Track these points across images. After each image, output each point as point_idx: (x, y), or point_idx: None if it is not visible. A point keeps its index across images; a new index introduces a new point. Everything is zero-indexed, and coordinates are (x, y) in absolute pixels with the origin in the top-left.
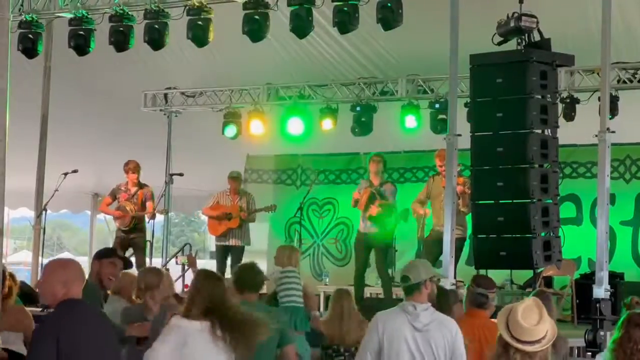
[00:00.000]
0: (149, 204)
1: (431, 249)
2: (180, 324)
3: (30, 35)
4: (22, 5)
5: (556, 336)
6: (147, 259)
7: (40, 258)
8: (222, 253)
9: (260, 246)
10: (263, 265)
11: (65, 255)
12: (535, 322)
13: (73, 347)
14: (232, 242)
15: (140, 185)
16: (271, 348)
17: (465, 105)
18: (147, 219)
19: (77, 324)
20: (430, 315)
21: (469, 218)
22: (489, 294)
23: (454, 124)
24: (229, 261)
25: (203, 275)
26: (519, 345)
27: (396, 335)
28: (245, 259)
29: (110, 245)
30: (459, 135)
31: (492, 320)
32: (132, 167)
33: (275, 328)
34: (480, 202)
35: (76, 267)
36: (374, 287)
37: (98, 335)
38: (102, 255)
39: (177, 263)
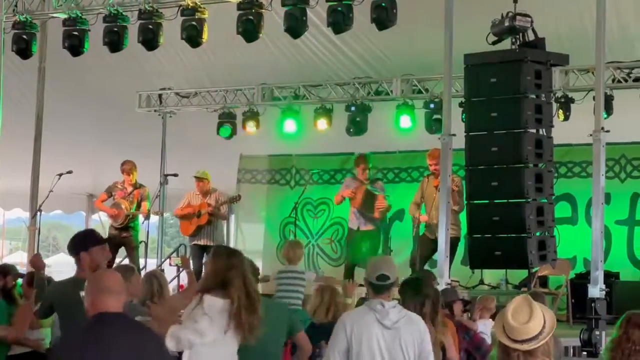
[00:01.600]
0: (144, 204)
1: (425, 248)
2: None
3: (24, 36)
4: (15, 5)
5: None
6: (142, 260)
7: None
8: (197, 252)
9: (255, 246)
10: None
11: (61, 256)
12: (526, 320)
13: None
14: (203, 241)
15: (137, 185)
16: (279, 339)
17: (460, 105)
18: (141, 219)
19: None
20: (398, 313)
21: (463, 217)
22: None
23: (449, 123)
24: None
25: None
26: (517, 346)
27: (365, 334)
28: None
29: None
30: (454, 135)
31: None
32: (128, 168)
33: (283, 319)
34: (475, 201)
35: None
36: None
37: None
38: (89, 244)
39: (170, 264)
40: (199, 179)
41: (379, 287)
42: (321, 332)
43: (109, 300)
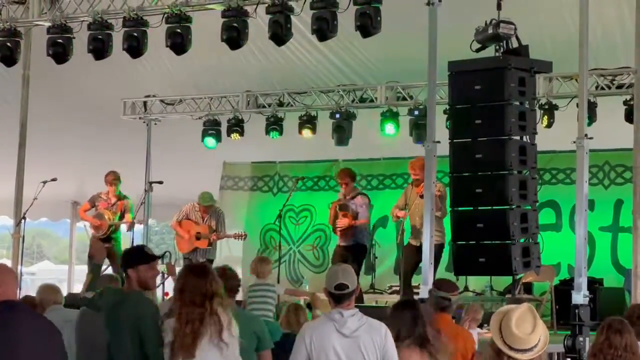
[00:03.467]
0: (127, 215)
1: (411, 258)
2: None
3: (9, 44)
4: (0, 13)
5: None
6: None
7: (19, 267)
8: None
9: (235, 253)
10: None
11: (45, 263)
12: (530, 331)
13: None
14: (199, 258)
15: (121, 197)
16: (250, 352)
17: (444, 112)
18: (124, 230)
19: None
20: (358, 321)
21: (447, 224)
22: (451, 296)
23: (433, 130)
24: None
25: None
26: (512, 353)
27: (324, 344)
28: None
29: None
30: (438, 142)
31: (455, 323)
32: (112, 179)
33: (253, 332)
34: (459, 208)
35: (5, 269)
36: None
37: (36, 337)
38: (136, 262)
39: None
40: (203, 205)
41: (337, 296)
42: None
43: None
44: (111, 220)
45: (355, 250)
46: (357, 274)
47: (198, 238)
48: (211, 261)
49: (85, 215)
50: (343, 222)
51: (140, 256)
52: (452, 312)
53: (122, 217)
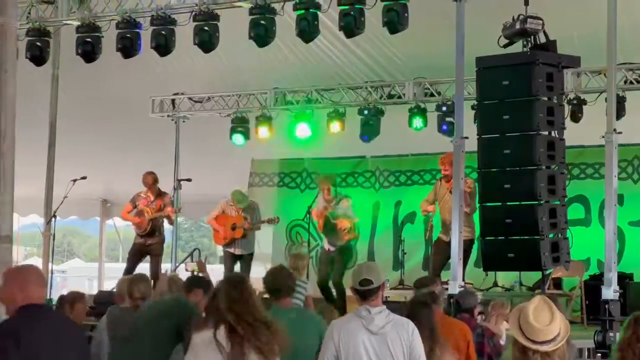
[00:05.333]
0: (166, 210)
1: (441, 253)
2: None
3: (38, 43)
4: (29, 13)
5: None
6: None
7: (50, 265)
8: (230, 260)
9: (264, 249)
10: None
11: (76, 261)
12: (548, 322)
13: (32, 352)
14: (238, 251)
15: (160, 194)
16: (310, 355)
17: (472, 107)
18: (167, 223)
19: (37, 328)
20: (385, 318)
21: (476, 220)
22: (434, 289)
23: (461, 126)
24: (237, 267)
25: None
26: (535, 347)
27: (352, 340)
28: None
29: (121, 251)
30: (466, 137)
31: (446, 315)
32: (150, 182)
33: (317, 332)
34: (488, 204)
35: (33, 271)
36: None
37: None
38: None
39: (186, 270)
40: (235, 200)
41: (363, 292)
42: None
43: (39, 292)
44: (150, 214)
45: (343, 251)
46: (344, 272)
47: (233, 228)
48: (251, 255)
49: (128, 216)
50: (344, 223)
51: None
52: (440, 304)
53: (162, 211)
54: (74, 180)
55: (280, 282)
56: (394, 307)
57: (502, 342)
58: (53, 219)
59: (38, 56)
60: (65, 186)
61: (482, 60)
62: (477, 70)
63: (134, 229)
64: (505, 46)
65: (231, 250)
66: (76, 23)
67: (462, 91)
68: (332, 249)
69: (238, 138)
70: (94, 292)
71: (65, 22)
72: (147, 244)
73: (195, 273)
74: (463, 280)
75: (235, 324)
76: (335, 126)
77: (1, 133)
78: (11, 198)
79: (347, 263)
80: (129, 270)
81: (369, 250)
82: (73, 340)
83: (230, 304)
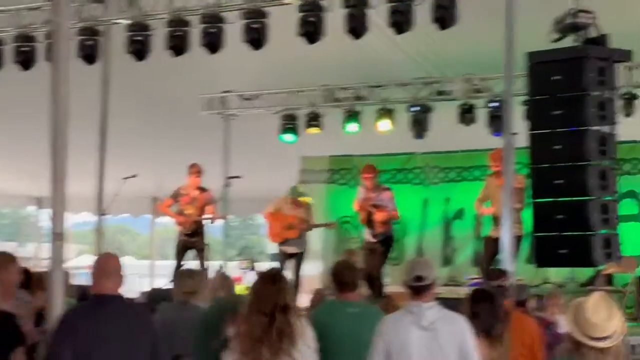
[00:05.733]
0: (209, 208)
1: (490, 249)
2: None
3: (89, 42)
4: (80, 12)
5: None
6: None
7: None
8: (283, 258)
9: (314, 246)
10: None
11: (127, 259)
12: (606, 318)
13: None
14: (291, 249)
15: (202, 190)
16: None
17: (523, 103)
18: (211, 223)
19: (98, 319)
20: (436, 313)
21: (526, 216)
22: (504, 282)
23: (511, 122)
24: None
25: (259, 279)
26: (592, 343)
27: (402, 337)
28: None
29: (171, 248)
30: (516, 133)
31: (513, 310)
32: (196, 171)
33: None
34: (539, 200)
35: (107, 261)
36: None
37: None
38: None
39: (239, 267)
40: (294, 196)
41: (416, 288)
42: None
43: (105, 282)
44: (193, 216)
45: (386, 242)
46: (383, 264)
47: (289, 228)
48: (303, 253)
49: (168, 211)
50: (382, 215)
51: None
52: (508, 297)
53: (203, 210)
54: (125, 178)
55: (346, 276)
56: (451, 303)
57: (560, 331)
58: (104, 217)
59: (89, 55)
60: (116, 184)
61: (532, 56)
62: (527, 66)
63: (177, 226)
64: (555, 41)
65: (284, 248)
66: (126, 22)
67: (511, 87)
68: (373, 240)
69: (288, 135)
70: (146, 289)
71: (115, 21)
72: (191, 241)
73: (247, 270)
74: (514, 276)
75: (269, 317)
76: (384, 123)
77: (54, 131)
78: (64, 196)
79: (387, 254)
80: (178, 267)
81: (418, 246)
82: (140, 332)
83: (265, 297)
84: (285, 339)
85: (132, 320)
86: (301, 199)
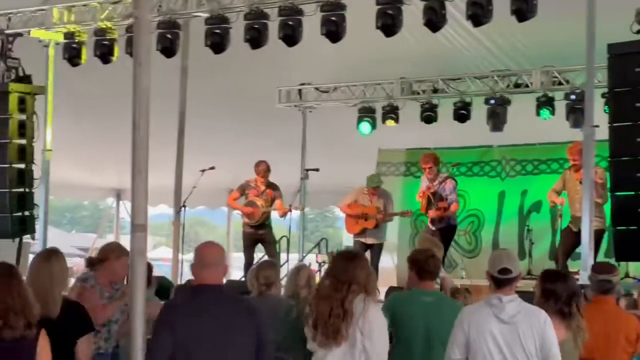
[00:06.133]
0: (277, 202)
1: (568, 241)
2: None
3: (168, 35)
4: (160, 5)
5: None
6: (284, 255)
7: (180, 255)
8: (361, 248)
9: (390, 238)
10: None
11: None
12: None
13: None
14: (369, 240)
15: (270, 185)
16: (444, 339)
17: (603, 95)
18: (275, 216)
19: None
20: (517, 307)
21: (607, 209)
22: (612, 278)
23: (591, 115)
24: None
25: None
26: None
27: (481, 329)
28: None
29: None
30: (597, 126)
31: (619, 307)
32: (263, 171)
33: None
34: (619, 193)
35: (207, 250)
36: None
37: (223, 324)
38: None
39: (317, 261)
40: (371, 187)
41: (500, 280)
42: None
43: (205, 272)
44: (264, 207)
45: (445, 232)
46: (445, 255)
47: (365, 219)
48: (381, 244)
49: (236, 204)
50: (436, 213)
51: None
52: (615, 294)
53: (272, 204)
54: (203, 171)
55: (430, 265)
56: (528, 297)
57: None
58: (182, 209)
59: (168, 48)
60: (194, 176)
61: (614, 47)
62: (608, 57)
63: (243, 218)
64: (638, 32)
65: (362, 239)
66: (205, 15)
67: (592, 79)
68: (434, 228)
69: (365, 127)
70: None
71: (194, 14)
72: (259, 233)
73: (324, 263)
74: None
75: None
76: (460, 116)
77: (135, 124)
78: (145, 188)
79: (447, 245)
80: (249, 262)
81: (494, 239)
82: (240, 321)
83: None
84: (347, 319)
85: (231, 309)
86: (377, 182)
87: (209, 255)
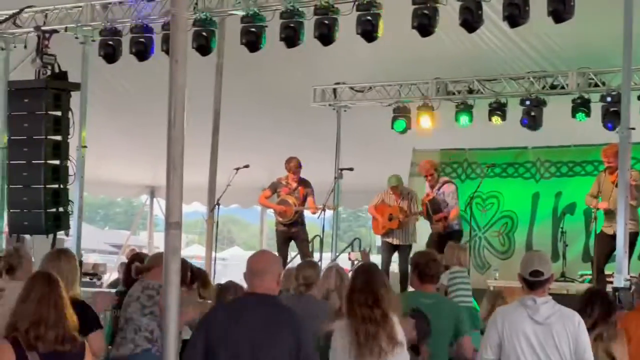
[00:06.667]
0: (309, 200)
1: (603, 243)
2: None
3: (204, 33)
4: (196, 3)
5: None
6: (317, 254)
7: (213, 253)
8: (387, 250)
9: (420, 241)
10: None
11: (235, 249)
12: None
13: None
14: (395, 241)
15: (302, 181)
16: (444, 340)
17: (639, 98)
18: (307, 214)
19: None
20: (551, 308)
21: None
22: None
23: (627, 117)
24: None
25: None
26: None
27: (515, 329)
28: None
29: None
30: (633, 128)
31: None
32: (294, 167)
33: (454, 320)
34: None
35: (257, 257)
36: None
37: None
38: None
39: (350, 259)
40: (392, 187)
41: (531, 283)
42: None
43: (253, 281)
44: (296, 205)
45: (450, 237)
46: None
47: (390, 219)
48: (409, 246)
49: (267, 202)
50: (436, 226)
51: None
52: None
53: (304, 202)
54: (237, 169)
55: (432, 268)
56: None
57: None
58: (216, 207)
59: (204, 46)
60: (228, 174)
61: None
62: None
63: (275, 216)
64: None
65: (389, 240)
66: (241, 13)
67: (629, 81)
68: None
69: (399, 126)
70: None
71: (230, 12)
72: (292, 231)
73: (357, 262)
74: (628, 273)
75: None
76: (496, 117)
77: (170, 122)
78: (180, 185)
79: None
80: (284, 260)
81: (528, 240)
82: (278, 333)
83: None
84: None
85: (270, 320)
86: (396, 181)
87: (256, 263)
